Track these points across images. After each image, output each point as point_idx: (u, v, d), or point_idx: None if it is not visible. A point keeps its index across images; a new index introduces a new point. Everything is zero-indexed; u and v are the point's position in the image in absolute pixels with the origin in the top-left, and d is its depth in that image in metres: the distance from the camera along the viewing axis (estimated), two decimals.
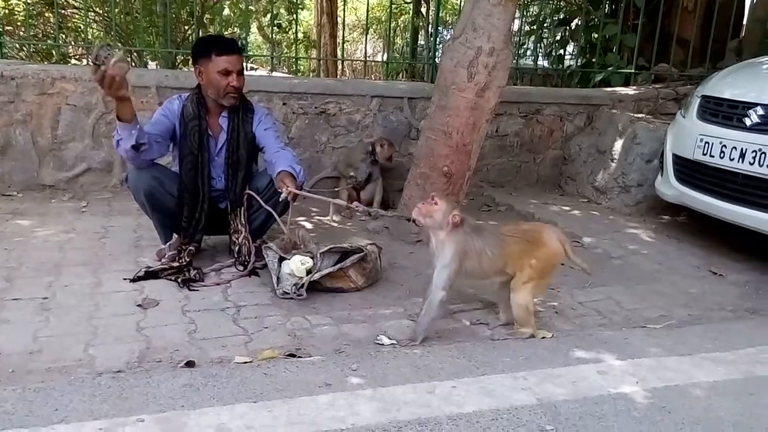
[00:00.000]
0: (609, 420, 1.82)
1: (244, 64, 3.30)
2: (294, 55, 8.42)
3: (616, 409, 1.88)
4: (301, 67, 9.07)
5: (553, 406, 1.86)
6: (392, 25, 8.24)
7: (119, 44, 2.52)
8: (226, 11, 6.67)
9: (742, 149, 3.23)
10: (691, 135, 3.58)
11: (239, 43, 2.98)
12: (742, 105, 3.35)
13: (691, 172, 3.61)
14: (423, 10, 8.39)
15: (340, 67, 9.05)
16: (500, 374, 2.04)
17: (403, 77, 8.58)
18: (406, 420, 1.75)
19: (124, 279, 2.72)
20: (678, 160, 3.73)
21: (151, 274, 2.74)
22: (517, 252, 2.34)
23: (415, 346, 2.27)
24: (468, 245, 2.29)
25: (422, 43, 10.07)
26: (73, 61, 5.93)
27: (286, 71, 9.25)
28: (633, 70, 5.56)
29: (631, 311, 2.76)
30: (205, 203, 2.95)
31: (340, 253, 2.77)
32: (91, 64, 2.48)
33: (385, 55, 11.14)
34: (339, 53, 8.81)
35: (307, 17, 12.24)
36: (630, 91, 5.25)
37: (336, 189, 4.20)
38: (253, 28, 10.97)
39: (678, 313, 2.77)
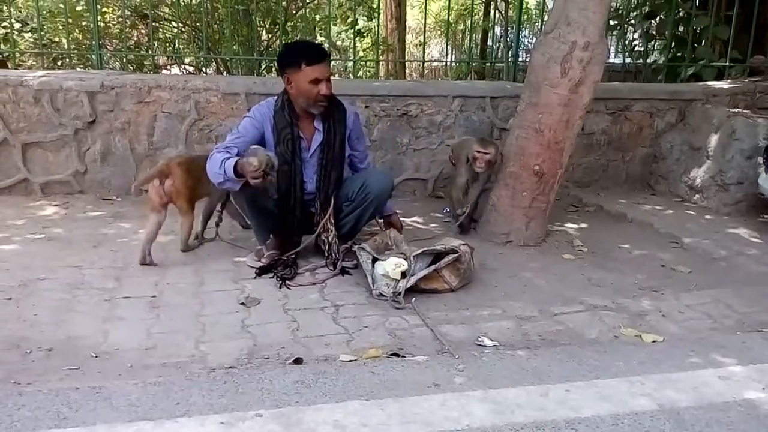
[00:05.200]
0: (738, 427, 1.72)
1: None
2: (370, 59, 8.48)
3: (745, 416, 1.77)
4: (370, 72, 9.12)
5: (676, 413, 1.78)
6: (464, 27, 8.14)
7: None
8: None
9: None
10: None
11: (326, 49, 2.93)
12: None
13: None
14: (496, 9, 8.28)
15: (407, 71, 9.06)
16: (614, 378, 1.96)
17: (472, 79, 8.48)
18: (522, 423, 1.71)
19: (252, 269, 2.92)
20: None
21: (265, 270, 2.89)
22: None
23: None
24: None
25: (489, 43, 9.96)
26: (163, 70, 6.20)
27: (352, 77, 9.39)
28: (727, 63, 5.27)
29: (743, 315, 2.60)
30: (297, 208, 2.99)
31: (433, 255, 2.75)
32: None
33: (455, 57, 11.07)
34: (407, 56, 8.81)
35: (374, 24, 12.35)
36: (724, 85, 4.98)
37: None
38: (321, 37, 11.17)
39: None
